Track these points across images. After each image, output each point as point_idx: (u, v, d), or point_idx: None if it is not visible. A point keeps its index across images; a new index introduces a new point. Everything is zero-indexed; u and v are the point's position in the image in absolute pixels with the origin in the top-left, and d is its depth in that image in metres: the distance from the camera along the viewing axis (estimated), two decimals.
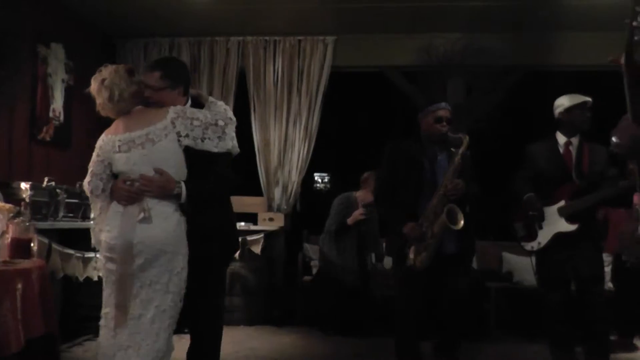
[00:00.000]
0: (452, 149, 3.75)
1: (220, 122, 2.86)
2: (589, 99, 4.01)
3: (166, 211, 2.75)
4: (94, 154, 2.88)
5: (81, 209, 4.85)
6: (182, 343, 3.04)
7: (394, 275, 4.02)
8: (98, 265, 4.50)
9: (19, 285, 3.21)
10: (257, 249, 5.91)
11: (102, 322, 2.79)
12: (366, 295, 5.65)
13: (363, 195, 5.73)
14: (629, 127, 2.36)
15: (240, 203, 5.80)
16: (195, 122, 2.80)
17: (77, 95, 5.82)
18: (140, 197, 2.74)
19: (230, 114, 2.96)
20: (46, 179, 4.56)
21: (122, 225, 2.73)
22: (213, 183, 2.91)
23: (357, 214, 5.61)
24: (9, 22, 4.88)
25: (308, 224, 6.92)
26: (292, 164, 6.52)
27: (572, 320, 3.99)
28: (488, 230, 6.63)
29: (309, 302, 6.00)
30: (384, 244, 4.68)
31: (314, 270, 6.26)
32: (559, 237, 3.95)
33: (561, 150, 4.05)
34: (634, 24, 2.11)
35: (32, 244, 3.72)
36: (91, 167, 2.87)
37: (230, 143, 2.89)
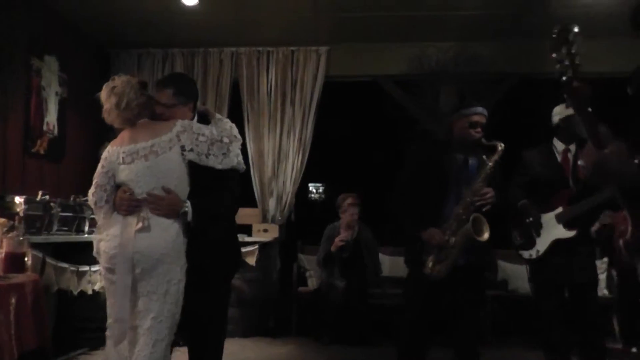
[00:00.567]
0: (484, 156, 3.51)
1: (226, 139, 2.87)
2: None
3: (165, 222, 2.76)
4: (99, 165, 2.89)
5: (75, 222, 4.83)
6: (177, 356, 3.02)
7: (407, 282, 3.77)
8: (92, 278, 4.51)
9: (13, 300, 3.21)
10: (251, 260, 5.87)
11: (107, 333, 2.79)
12: (362, 309, 5.73)
13: (344, 222, 5.97)
14: (591, 151, 2.38)
15: None
16: (201, 138, 2.81)
17: (71, 108, 5.82)
18: (140, 207, 2.74)
19: (236, 131, 2.98)
20: (40, 193, 4.54)
21: (121, 235, 2.73)
22: (219, 200, 2.92)
23: (337, 241, 5.86)
24: (1, 33, 4.86)
25: (303, 235, 6.91)
26: (286, 174, 6.50)
27: (567, 326, 3.99)
28: None
29: (307, 313, 6.05)
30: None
31: (309, 281, 6.34)
32: (557, 243, 3.95)
33: (559, 157, 4.05)
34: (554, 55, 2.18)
35: (26, 258, 3.72)
36: (96, 178, 2.87)
37: (235, 160, 2.90)
